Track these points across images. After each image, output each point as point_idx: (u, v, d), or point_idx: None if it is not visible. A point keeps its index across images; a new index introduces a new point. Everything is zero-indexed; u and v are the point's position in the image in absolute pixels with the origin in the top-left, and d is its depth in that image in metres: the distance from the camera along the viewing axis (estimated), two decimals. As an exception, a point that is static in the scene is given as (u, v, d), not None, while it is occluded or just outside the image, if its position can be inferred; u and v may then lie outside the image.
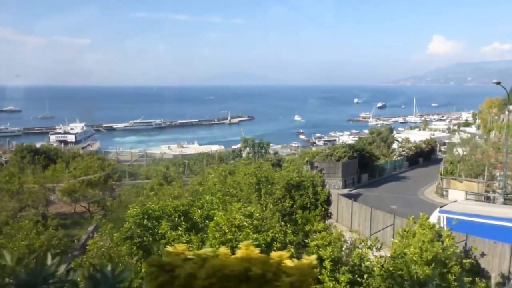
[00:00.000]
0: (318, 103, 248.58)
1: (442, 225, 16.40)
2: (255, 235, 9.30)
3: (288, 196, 20.32)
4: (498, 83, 24.74)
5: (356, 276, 10.03)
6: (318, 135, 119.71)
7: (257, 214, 10.57)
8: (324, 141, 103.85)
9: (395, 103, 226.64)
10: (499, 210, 16.07)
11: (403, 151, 47.44)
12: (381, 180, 38.23)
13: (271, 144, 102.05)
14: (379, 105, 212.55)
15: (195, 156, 45.15)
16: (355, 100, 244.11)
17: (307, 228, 16.82)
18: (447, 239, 12.88)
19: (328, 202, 21.11)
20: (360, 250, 11.03)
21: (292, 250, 9.19)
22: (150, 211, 10.49)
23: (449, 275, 10.22)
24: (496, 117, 68.51)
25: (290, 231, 10.92)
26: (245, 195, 18.18)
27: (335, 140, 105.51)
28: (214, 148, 65.33)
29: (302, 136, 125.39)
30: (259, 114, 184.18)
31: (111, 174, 26.01)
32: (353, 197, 31.98)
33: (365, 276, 10.07)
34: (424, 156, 50.40)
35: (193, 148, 64.71)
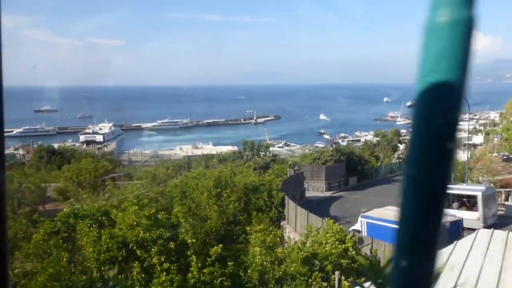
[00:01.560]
0: (346, 102, 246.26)
1: (362, 229, 18.03)
2: (146, 234, 11.56)
3: (245, 199, 22.41)
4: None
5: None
6: (342, 135, 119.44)
7: (161, 216, 12.85)
8: (348, 141, 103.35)
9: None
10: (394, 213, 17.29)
11: (402, 153, 48.06)
12: (370, 183, 39.28)
13: (292, 144, 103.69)
14: (408, 104, 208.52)
15: (199, 158, 47.79)
16: (385, 99, 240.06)
17: (248, 228, 18.93)
18: (349, 242, 14.61)
19: (283, 205, 22.99)
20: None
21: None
22: (76, 211, 12.99)
23: (317, 272, 12.05)
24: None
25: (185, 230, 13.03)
26: (205, 198, 20.42)
27: (359, 140, 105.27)
28: (226, 149, 67.70)
29: (326, 136, 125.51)
30: (285, 114, 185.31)
31: (105, 176, 28.98)
32: (335, 200, 33.70)
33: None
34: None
35: (207, 149, 67.25)
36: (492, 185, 25.51)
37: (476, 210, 21.07)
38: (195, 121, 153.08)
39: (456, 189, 22.36)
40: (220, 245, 12.78)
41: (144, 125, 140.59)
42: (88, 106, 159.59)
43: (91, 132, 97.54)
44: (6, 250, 0.67)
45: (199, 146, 73.06)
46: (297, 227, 20.14)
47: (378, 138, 58.54)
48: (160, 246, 11.19)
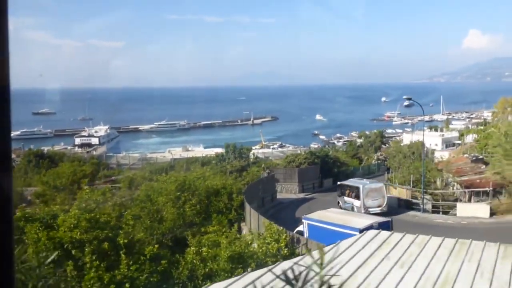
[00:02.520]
0: (345, 102, 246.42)
1: (305, 230, 19.38)
2: (83, 235, 12.98)
3: (206, 202, 23.80)
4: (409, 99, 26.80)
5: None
6: (338, 135, 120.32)
7: (103, 219, 14.26)
8: (344, 141, 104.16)
9: (424, 101, 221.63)
10: (344, 217, 18.67)
11: (381, 155, 49.29)
12: (344, 185, 40.54)
13: (288, 145, 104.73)
14: (406, 103, 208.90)
15: (183, 161, 49.17)
16: (383, 99, 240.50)
17: (203, 229, 20.35)
18: (282, 242, 15.98)
19: (243, 207, 24.35)
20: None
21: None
22: (27, 215, 14.46)
23: (240, 269, 13.41)
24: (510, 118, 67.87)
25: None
26: (163, 201, 21.82)
27: (354, 140, 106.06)
28: (216, 151, 68.86)
29: (322, 137, 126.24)
30: (283, 114, 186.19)
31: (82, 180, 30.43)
32: (305, 201, 35.03)
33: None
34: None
35: (197, 152, 68.44)
36: (387, 181, 31.84)
37: (384, 197, 27.61)
38: (193, 122, 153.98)
39: (349, 181, 29.95)
40: (156, 245, 14.21)
41: (141, 127, 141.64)
42: (89, 108, 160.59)
43: (87, 135, 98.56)
44: (13, 251, 0.75)
45: (189, 149, 74.32)
46: (252, 228, 21.51)
47: (361, 140, 59.74)
48: (95, 246, 12.59)
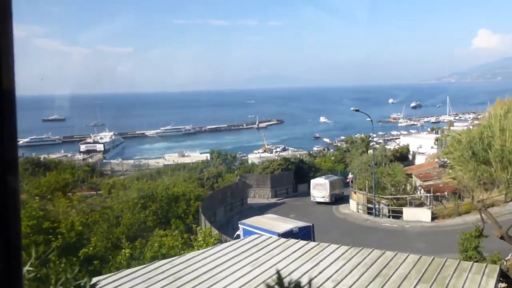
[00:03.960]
0: (352, 104, 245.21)
1: (240, 234, 21.32)
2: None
3: (166, 207, 25.98)
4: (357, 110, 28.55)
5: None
6: (342, 137, 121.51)
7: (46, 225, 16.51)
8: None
9: (432, 102, 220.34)
10: (271, 222, 20.50)
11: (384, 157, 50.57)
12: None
13: (291, 148, 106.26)
14: (413, 105, 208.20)
15: (170, 167, 51.50)
16: (390, 100, 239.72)
17: (155, 233, 22.50)
18: (210, 244, 18.01)
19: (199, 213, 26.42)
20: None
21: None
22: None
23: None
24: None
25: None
26: (120, 207, 24.08)
27: (342, 144, 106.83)
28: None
29: (326, 139, 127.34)
30: (289, 117, 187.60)
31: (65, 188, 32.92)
32: (275, 206, 36.89)
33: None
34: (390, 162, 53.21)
35: (193, 157, 70.53)
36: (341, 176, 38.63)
37: (327, 191, 34.63)
38: (198, 127, 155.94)
39: (317, 178, 36.89)
40: (91, 247, 16.40)
41: (148, 132, 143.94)
42: (97, 114, 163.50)
43: (92, 141, 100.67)
44: (20, 248, 0.80)
45: (186, 154, 76.50)
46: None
47: (347, 144, 61.20)
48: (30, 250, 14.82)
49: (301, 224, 20.08)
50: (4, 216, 0.77)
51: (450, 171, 32.84)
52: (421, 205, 33.81)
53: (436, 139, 47.00)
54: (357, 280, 9.79)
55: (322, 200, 34.97)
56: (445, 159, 40.77)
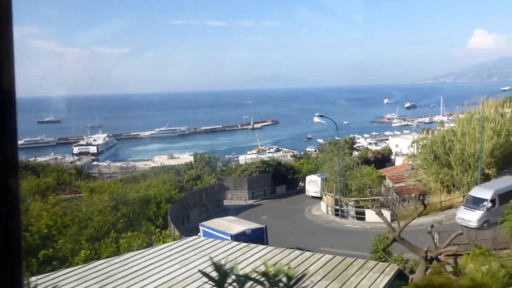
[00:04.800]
0: (347, 105, 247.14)
1: (201, 236, 22.49)
2: None
3: (138, 210, 27.13)
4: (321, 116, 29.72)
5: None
6: (337, 138, 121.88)
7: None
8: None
9: (427, 102, 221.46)
10: (227, 224, 21.64)
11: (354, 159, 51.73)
12: (296, 191, 43.25)
13: (285, 149, 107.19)
14: (407, 105, 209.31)
15: (154, 170, 52.59)
16: (385, 101, 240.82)
17: (128, 234, 23.65)
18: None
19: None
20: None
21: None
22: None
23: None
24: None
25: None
26: (90, 210, 25.24)
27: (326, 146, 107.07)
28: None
29: (320, 140, 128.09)
30: (284, 118, 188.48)
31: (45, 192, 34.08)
32: (250, 208, 38.02)
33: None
34: (371, 164, 54.30)
35: (182, 159, 71.48)
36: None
37: (319, 186, 37.46)
38: (193, 128, 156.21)
39: (311, 175, 39.98)
40: (51, 249, 17.56)
41: (142, 134, 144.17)
42: (93, 116, 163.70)
43: (85, 143, 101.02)
44: (21, 249, 0.79)
45: (175, 156, 77.49)
46: (174, 234, 24.69)
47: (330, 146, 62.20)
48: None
49: (254, 226, 21.24)
50: (6, 219, 0.78)
51: (416, 173, 33.99)
52: (383, 206, 34.91)
53: (413, 141, 48.07)
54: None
55: (314, 194, 38.23)
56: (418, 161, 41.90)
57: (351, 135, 74.36)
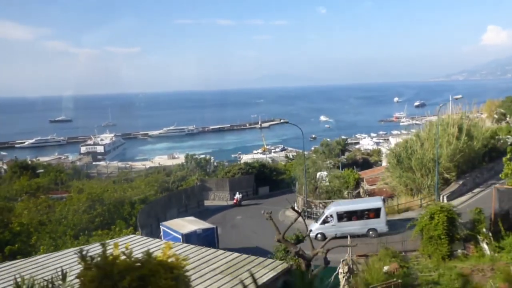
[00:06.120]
0: (357, 103, 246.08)
1: (162, 235, 24.45)
2: None
3: (113, 210, 29.28)
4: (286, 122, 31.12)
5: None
6: (343, 137, 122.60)
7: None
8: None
9: (437, 101, 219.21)
10: (182, 224, 23.44)
11: (329, 163, 53.07)
12: (279, 192, 44.71)
13: (290, 148, 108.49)
14: (416, 103, 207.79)
15: (147, 171, 54.87)
16: (395, 99, 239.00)
17: (99, 232, 25.77)
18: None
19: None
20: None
21: None
22: None
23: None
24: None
25: None
26: (66, 210, 27.49)
27: (358, 142, 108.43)
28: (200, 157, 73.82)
29: (327, 139, 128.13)
30: (292, 117, 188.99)
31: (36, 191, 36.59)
32: (230, 208, 39.77)
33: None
34: (358, 166, 55.52)
35: (181, 159, 73.49)
36: None
37: None
38: (201, 127, 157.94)
39: None
40: (17, 245, 19.77)
41: (151, 133, 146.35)
42: (106, 115, 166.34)
43: (92, 143, 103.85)
44: None
45: (175, 156, 79.60)
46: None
47: (322, 147, 63.50)
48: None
49: (205, 226, 23.06)
50: None
51: (384, 176, 35.27)
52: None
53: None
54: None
55: None
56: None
57: (343, 136, 75.31)
